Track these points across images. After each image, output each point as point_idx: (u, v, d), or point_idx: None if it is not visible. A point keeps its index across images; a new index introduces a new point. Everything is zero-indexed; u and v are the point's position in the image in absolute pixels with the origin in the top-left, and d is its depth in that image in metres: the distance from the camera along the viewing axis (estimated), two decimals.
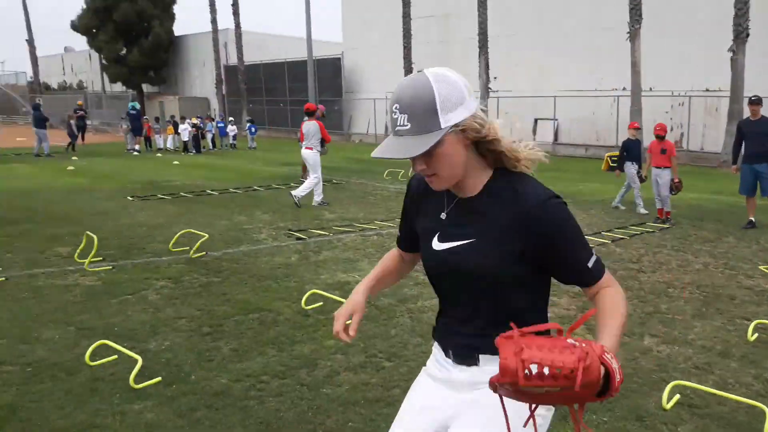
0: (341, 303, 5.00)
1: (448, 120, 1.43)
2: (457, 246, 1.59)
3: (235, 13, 36.44)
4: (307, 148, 11.13)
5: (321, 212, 10.29)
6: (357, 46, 33.57)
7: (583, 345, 1.15)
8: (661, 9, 20.70)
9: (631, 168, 10.32)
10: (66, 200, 11.45)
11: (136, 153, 23.58)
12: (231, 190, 13.15)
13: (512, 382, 1.11)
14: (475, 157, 1.55)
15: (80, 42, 49.58)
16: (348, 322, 1.75)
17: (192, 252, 7.14)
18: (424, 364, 1.85)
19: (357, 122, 34.26)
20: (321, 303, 5.40)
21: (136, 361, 3.99)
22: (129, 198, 11.74)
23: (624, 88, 21.71)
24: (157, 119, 28.67)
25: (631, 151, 10.39)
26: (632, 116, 19.37)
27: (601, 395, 1.18)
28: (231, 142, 27.61)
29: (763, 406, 3.39)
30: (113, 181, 14.64)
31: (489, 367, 1.57)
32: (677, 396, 3.69)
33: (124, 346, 4.29)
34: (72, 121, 24.18)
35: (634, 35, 19.80)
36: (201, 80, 44.16)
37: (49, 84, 57.40)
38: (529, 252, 1.51)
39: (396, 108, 1.46)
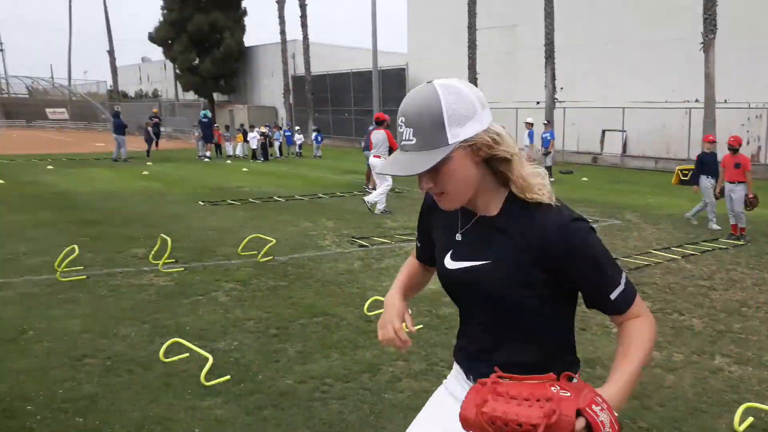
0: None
1: (456, 135, 1.34)
2: (471, 266, 1.50)
3: (303, 25, 37.21)
4: (375, 156, 11.38)
5: (383, 220, 10.39)
6: (421, 57, 33.71)
7: (566, 395, 1.15)
8: (736, 18, 19.94)
9: (706, 182, 9.98)
10: (141, 203, 11.98)
11: (206, 159, 24.39)
12: (297, 197, 13.44)
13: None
14: (488, 175, 1.44)
15: (156, 52, 51.85)
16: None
17: (260, 256, 7.36)
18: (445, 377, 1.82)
19: None
20: (383, 310, 5.47)
21: (206, 359, 4.17)
22: (200, 203, 12.18)
23: (696, 100, 20.99)
24: (227, 127, 29.58)
25: (706, 164, 10.03)
26: (705, 129, 18.72)
27: None
28: (297, 150, 28.19)
29: None
30: (185, 186, 15.20)
31: None
32: (750, 419, 3.58)
33: (195, 345, 4.48)
34: (149, 128, 25.23)
35: (708, 45, 19.15)
36: (269, 90, 45.26)
37: (127, 92, 60.03)
38: (549, 278, 1.42)
39: (402, 121, 1.37)
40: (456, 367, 1.72)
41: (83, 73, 77.10)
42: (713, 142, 10.40)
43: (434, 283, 5.54)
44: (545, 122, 18.64)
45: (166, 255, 6.87)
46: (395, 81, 35.27)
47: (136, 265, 7.03)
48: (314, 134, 28.61)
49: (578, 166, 23.10)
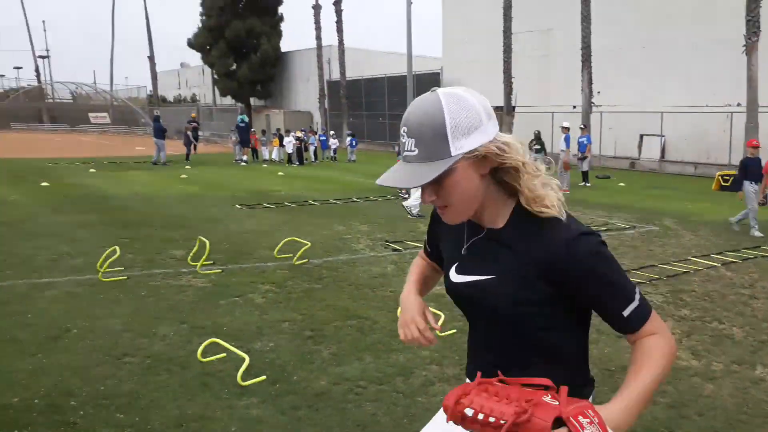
0: (438, 315, 5.08)
1: (459, 147, 1.28)
2: (476, 281, 1.46)
3: (339, 31, 37.50)
4: None
5: (416, 224, 10.41)
6: (456, 61, 33.67)
7: (552, 403, 1.15)
8: None
9: (749, 188, 9.74)
10: (179, 206, 12.21)
11: (243, 163, 24.72)
12: (331, 200, 13.54)
13: (452, 420, 1.20)
14: (495, 186, 1.40)
15: (195, 58, 52.76)
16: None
17: (295, 259, 7.45)
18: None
19: None
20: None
21: (243, 359, 4.24)
22: (237, 206, 12.36)
23: (738, 104, 20.50)
24: (263, 132, 29.93)
25: (750, 169, 9.80)
26: (748, 134, 18.26)
27: None
28: (332, 154, 28.39)
29: None
30: (222, 189, 15.45)
31: None
32: None
33: (232, 345, 4.56)
34: (188, 132, 25.72)
35: (750, 48, 18.69)
36: (305, 95, 45.69)
37: (166, 97, 61.24)
38: (555, 294, 1.37)
39: (404, 131, 1.33)
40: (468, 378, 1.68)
41: (124, 79, 79.13)
42: (757, 147, 10.15)
43: None
44: (582, 126, 18.41)
45: (204, 257, 7.01)
46: (429, 86, 34.87)
47: (174, 267, 7.18)
48: (349, 139, 28.77)
49: (615, 171, 22.77)
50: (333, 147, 28.48)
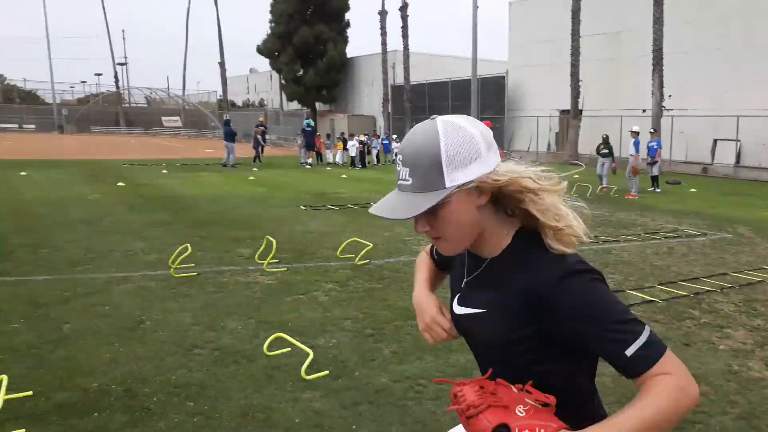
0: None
1: (454, 179, 1.22)
2: (471, 313, 1.40)
3: (404, 36, 37.70)
4: None
5: None
6: (522, 64, 33.30)
7: (519, 412, 1.17)
8: None
9: None
10: (247, 207, 12.57)
11: (308, 166, 25.18)
12: None
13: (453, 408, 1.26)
14: (496, 216, 1.33)
15: (263, 64, 54.09)
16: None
17: (357, 259, 7.57)
18: None
19: (518, 140, 33.91)
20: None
21: (307, 354, 4.36)
22: (302, 207, 12.62)
23: None
24: (327, 136, 30.40)
25: None
26: None
27: None
28: (394, 158, 28.54)
29: None
30: (288, 191, 15.80)
31: None
32: None
33: (297, 340, 4.69)
34: (258, 136, 26.42)
35: None
36: (369, 99, 46.14)
37: (235, 101, 62.99)
38: (546, 332, 1.27)
39: (399, 159, 1.28)
40: None
41: (196, 84, 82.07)
42: None
43: None
44: (651, 131, 17.90)
45: (270, 256, 7.21)
46: (494, 89, 35.02)
47: (242, 264, 7.41)
48: None
49: (686, 176, 21.98)
50: (395, 150, 28.64)
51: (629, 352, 1.18)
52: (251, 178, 19.29)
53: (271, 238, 7.43)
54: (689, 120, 23.73)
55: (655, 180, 16.95)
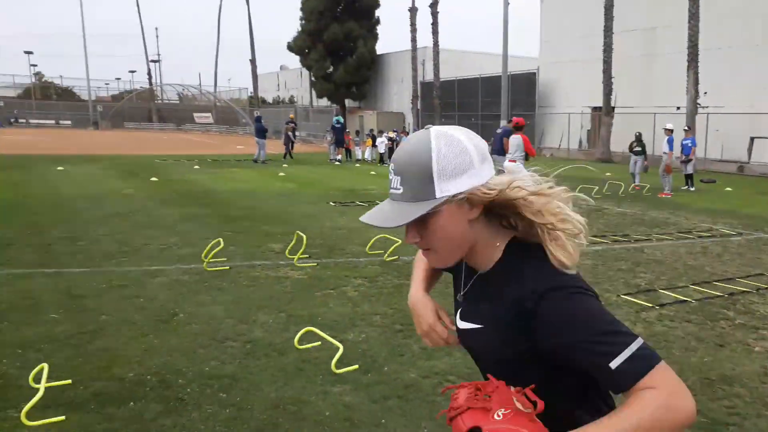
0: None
1: (445, 190, 1.21)
2: (471, 329, 1.37)
3: (434, 32, 37.58)
4: (510, 160, 11.46)
5: None
6: (553, 61, 32.98)
7: (497, 416, 1.17)
8: None
9: None
10: (277, 202, 12.70)
11: (337, 163, 25.31)
12: None
13: None
14: (486, 229, 1.29)
15: (293, 61, 54.44)
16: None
17: (386, 255, 7.60)
18: None
19: (549, 136, 33.62)
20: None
21: (337, 348, 4.41)
22: (331, 203, 12.71)
23: None
24: (357, 132, 30.51)
25: None
26: None
27: None
28: None
29: None
30: (317, 187, 15.91)
31: None
32: None
33: (327, 335, 4.74)
34: (289, 132, 26.64)
35: None
36: (399, 96, 46.12)
37: (265, 98, 63.51)
38: (533, 350, 1.23)
39: (392, 168, 1.27)
40: None
41: (227, 81, 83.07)
42: None
43: None
44: (686, 128, 17.58)
45: (300, 251, 7.28)
46: (525, 86, 34.75)
47: (273, 259, 7.50)
48: None
49: (721, 175, 21.56)
50: None
51: (614, 364, 1.11)
52: (281, 174, 19.46)
53: (301, 234, 7.51)
54: (725, 117, 23.26)
55: (689, 178, 16.67)
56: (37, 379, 3.77)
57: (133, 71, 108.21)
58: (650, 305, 5.84)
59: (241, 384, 4.02)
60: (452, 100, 39.47)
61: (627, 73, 27.65)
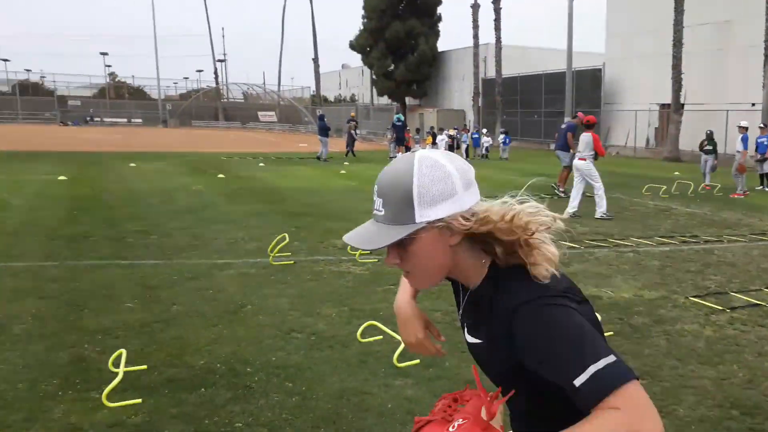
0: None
1: (425, 215, 1.21)
2: (476, 343, 1.38)
3: (497, 29, 37.26)
4: (580, 159, 11.22)
5: (572, 224, 10.13)
6: (620, 57, 32.13)
7: (458, 424, 1.17)
8: None
9: None
10: (339, 199, 12.89)
11: None
12: (482, 198, 13.53)
13: None
14: (469, 252, 1.29)
15: (355, 59, 54.92)
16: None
17: None
18: None
19: (615, 134, 32.79)
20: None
21: (399, 342, 4.47)
22: None
23: None
24: (417, 130, 30.55)
25: None
26: None
27: None
28: (483, 152, 28.33)
29: None
30: None
31: None
32: None
33: (388, 329, 4.82)
34: (352, 131, 26.96)
35: None
36: (459, 93, 45.92)
37: (327, 97, 64.32)
38: (522, 365, 1.22)
39: (375, 189, 1.27)
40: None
41: (290, 80, 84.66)
42: None
43: (627, 292, 5.49)
44: (762, 126, 16.84)
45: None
46: (590, 82, 34.01)
47: (336, 255, 7.65)
48: (502, 136, 28.52)
49: None
50: (485, 145, 28.40)
51: (578, 381, 1.06)
52: (342, 171, 19.71)
53: None
54: None
55: (764, 178, 15.97)
56: (116, 364, 3.99)
57: (200, 70, 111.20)
58: (720, 308, 5.67)
59: (306, 374, 4.14)
60: (515, 96, 39.00)
61: (697, 68, 26.69)
